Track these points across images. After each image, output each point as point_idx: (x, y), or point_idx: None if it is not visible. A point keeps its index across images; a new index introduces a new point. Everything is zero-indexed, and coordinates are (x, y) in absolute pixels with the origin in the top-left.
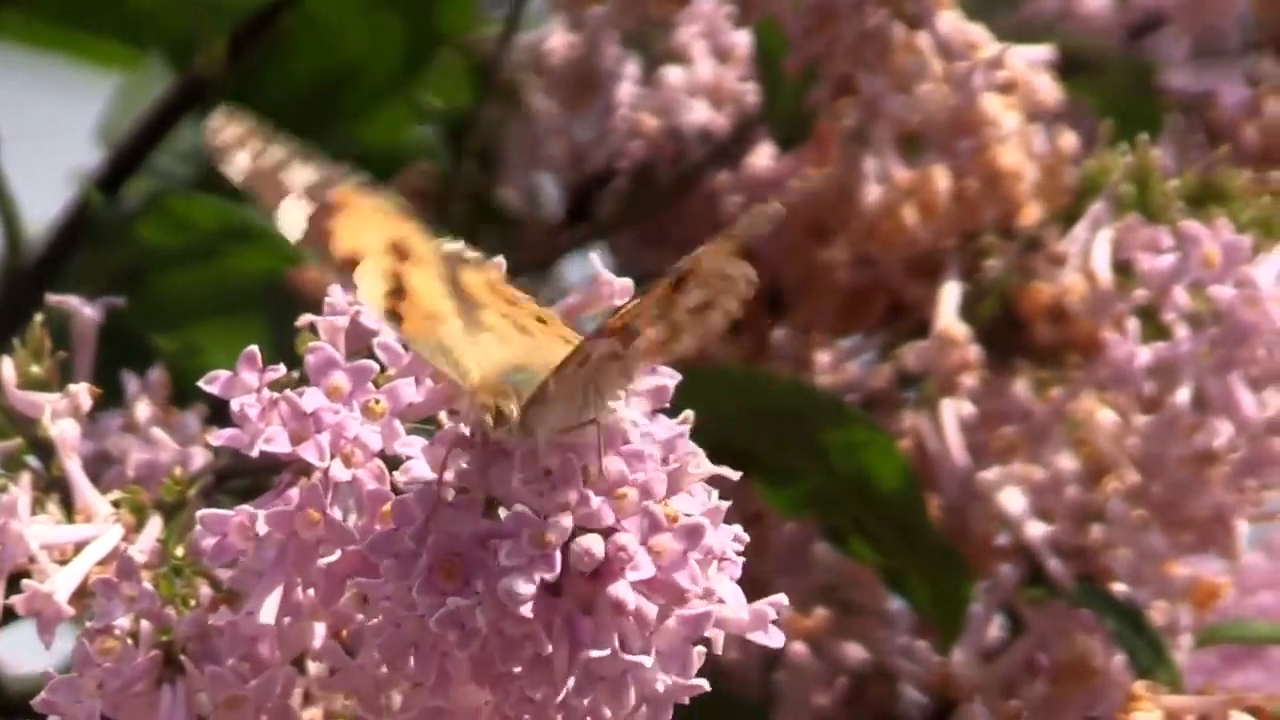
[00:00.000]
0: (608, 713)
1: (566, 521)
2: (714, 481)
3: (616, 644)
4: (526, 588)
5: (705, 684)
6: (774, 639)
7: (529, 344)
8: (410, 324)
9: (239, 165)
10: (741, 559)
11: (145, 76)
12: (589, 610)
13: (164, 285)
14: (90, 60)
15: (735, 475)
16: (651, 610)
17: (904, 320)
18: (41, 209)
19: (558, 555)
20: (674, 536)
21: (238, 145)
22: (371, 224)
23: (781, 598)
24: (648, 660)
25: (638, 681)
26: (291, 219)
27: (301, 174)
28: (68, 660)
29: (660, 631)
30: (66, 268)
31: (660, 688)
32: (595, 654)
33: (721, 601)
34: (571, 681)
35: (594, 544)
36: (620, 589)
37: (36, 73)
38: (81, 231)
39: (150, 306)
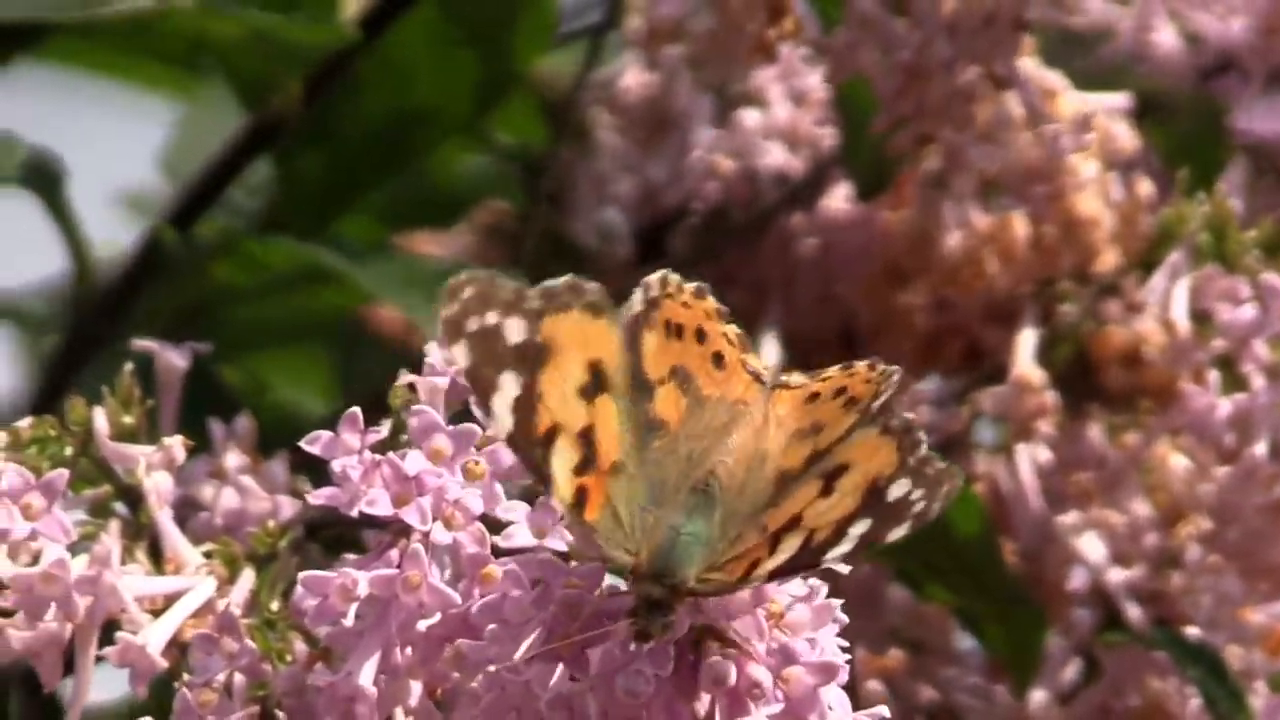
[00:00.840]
0: None
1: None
2: None
3: None
4: (647, 685)
5: None
6: None
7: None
8: (591, 507)
9: (462, 355)
10: (848, 659)
11: (208, 106)
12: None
13: (236, 319)
14: (144, 84)
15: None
16: None
17: (981, 364)
18: (93, 229)
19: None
20: (807, 672)
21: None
22: (572, 361)
23: (883, 710)
24: None
25: None
26: (501, 416)
27: (513, 331)
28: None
29: None
30: (137, 304)
31: None
32: None
33: (830, 709)
34: None
35: (727, 670)
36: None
37: (88, 94)
38: (153, 266)
39: (222, 338)
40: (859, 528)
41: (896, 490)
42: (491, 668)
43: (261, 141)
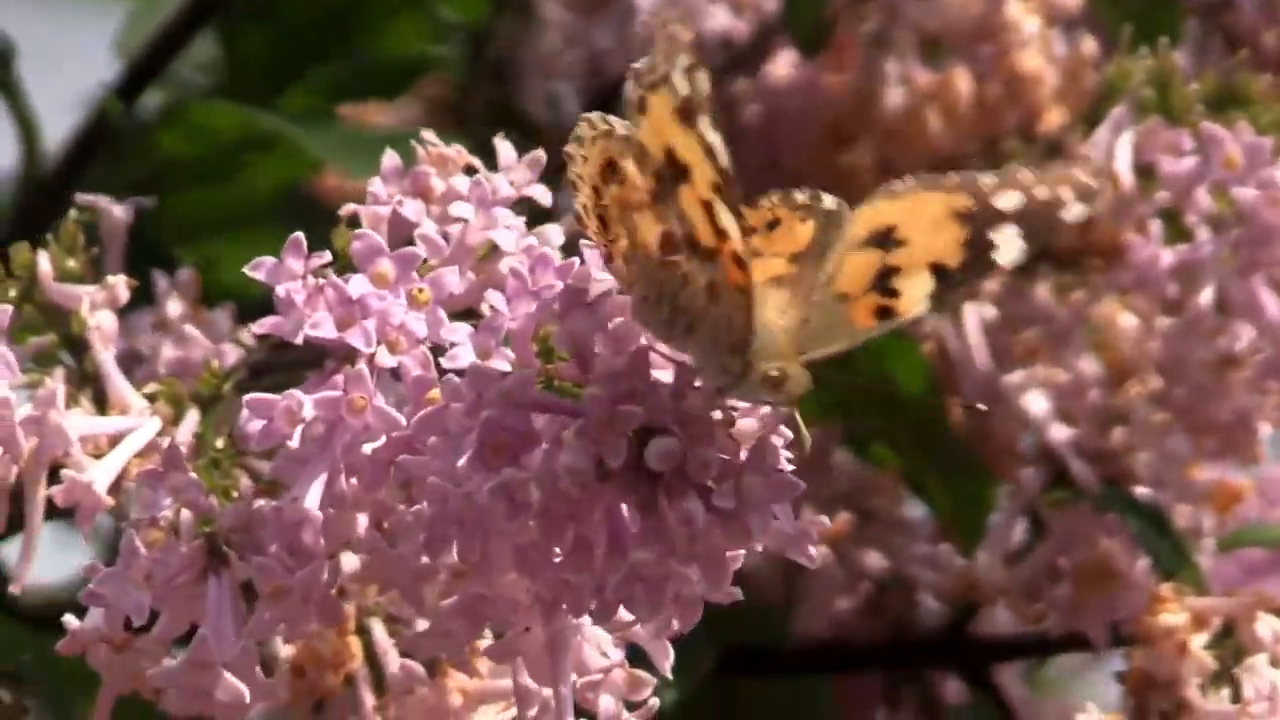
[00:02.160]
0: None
1: (638, 411)
2: None
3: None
4: (585, 464)
5: (739, 593)
6: (811, 559)
7: None
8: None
9: None
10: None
11: None
12: (646, 508)
13: (183, 200)
14: None
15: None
16: (716, 534)
17: None
18: (56, 130)
19: (624, 443)
20: (757, 476)
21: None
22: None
23: (823, 518)
24: (693, 573)
25: (676, 584)
26: None
27: None
28: (73, 576)
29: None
30: (85, 177)
31: (696, 591)
32: (643, 555)
33: (775, 518)
34: (612, 576)
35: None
36: (693, 507)
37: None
38: (100, 141)
39: (169, 221)
40: (1006, 234)
41: (1008, 200)
42: (432, 479)
43: (205, 14)
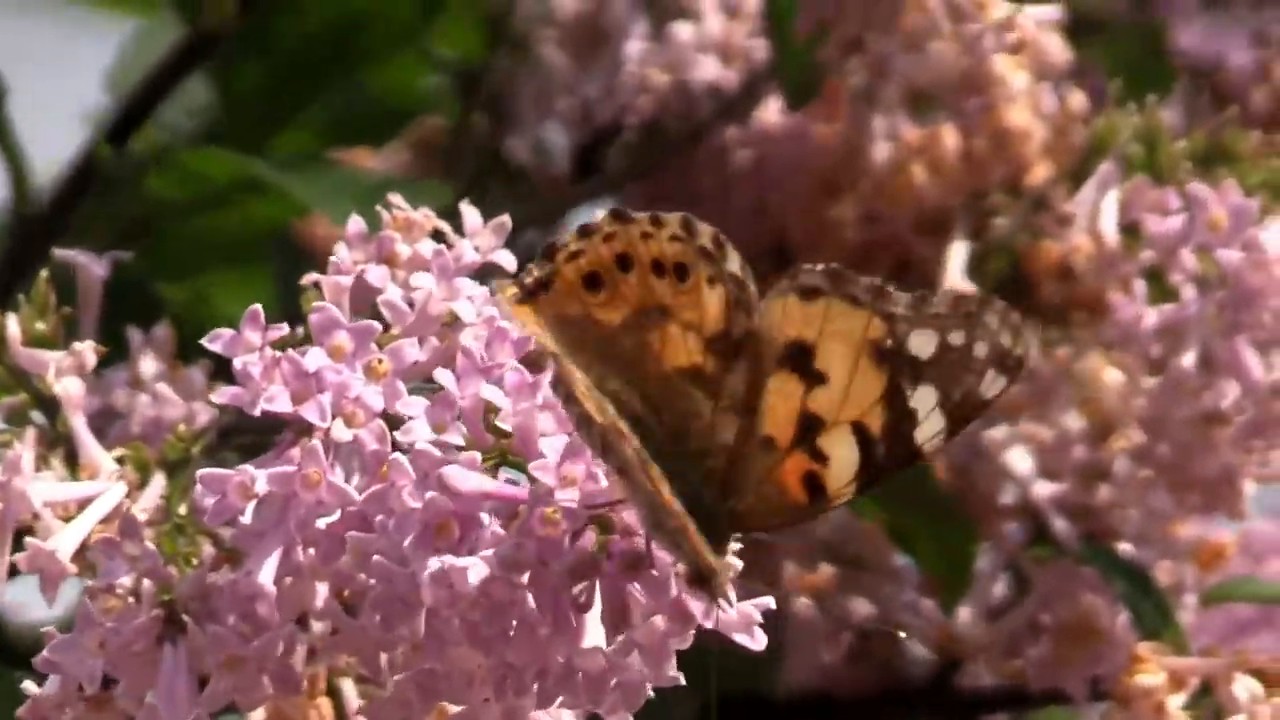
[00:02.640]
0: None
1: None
2: None
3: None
4: (524, 556)
5: (681, 678)
6: (757, 642)
7: None
8: None
9: None
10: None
11: (158, 26)
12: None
13: (173, 236)
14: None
15: None
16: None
17: (912, 278)
18: (46, 149)
19: (567, 540)
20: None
21: None
22: None
23: (769, 601)
24: (635, 661)
25: (616, 672)
26: None
27: None
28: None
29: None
30: (74, 217)
31: (638, 679)
32: (586, 646)
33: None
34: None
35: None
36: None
37: (46, 12)
38: (90, 182)
39: (159, 256)
40: (923, 398)
41: (922, 343)
42: (377, 559)
43: (198, 55)
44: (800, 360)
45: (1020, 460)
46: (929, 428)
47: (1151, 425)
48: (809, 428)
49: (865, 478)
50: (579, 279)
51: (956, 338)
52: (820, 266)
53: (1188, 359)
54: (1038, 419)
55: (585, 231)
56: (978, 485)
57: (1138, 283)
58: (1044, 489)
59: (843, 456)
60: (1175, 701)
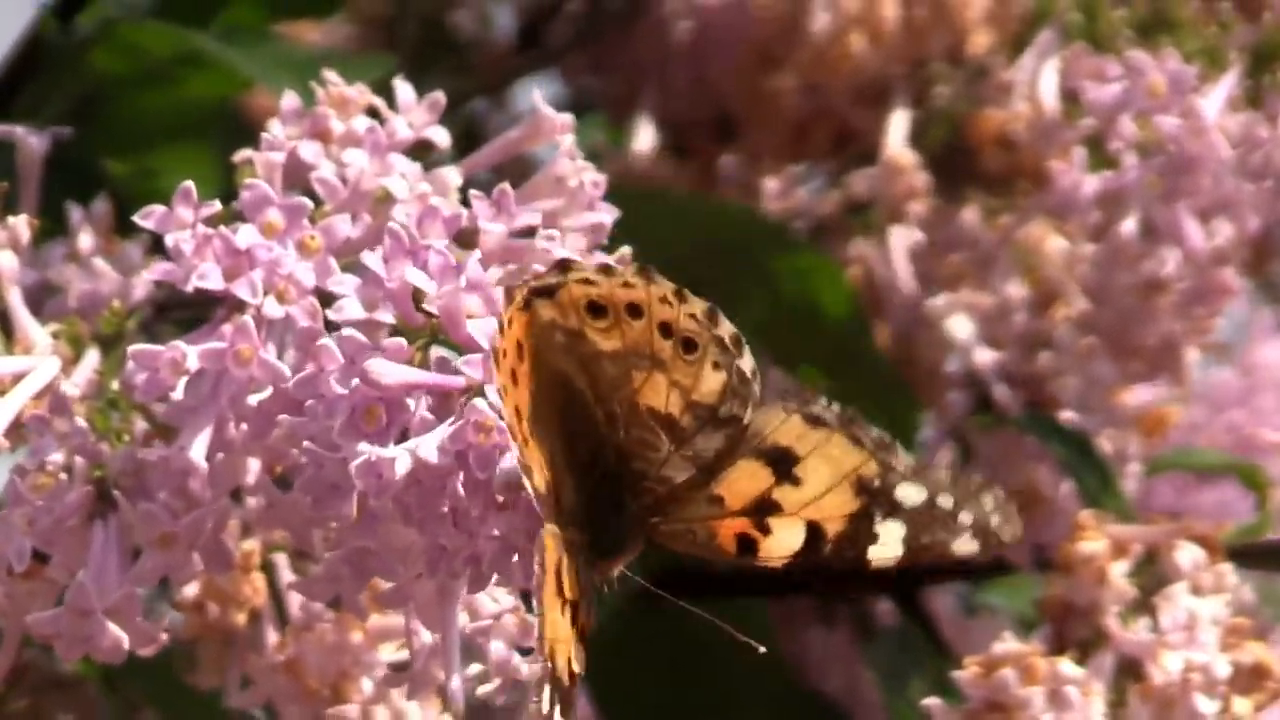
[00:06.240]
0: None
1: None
2: None
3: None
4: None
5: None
6: None
7: None
8: None
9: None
10: None
11: None
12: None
13: (118, 111)
14: None
15: None
16: None
17: (852, 148)
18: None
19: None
20: None
21: None
22: None
23: None
24: None
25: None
26: None
27: None
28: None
29: None
30: (23, 97)
31: None
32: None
33: None
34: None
35: None
36: None
37: None
38: (37, 60)
39: (105, 133)
40: (892, 530)
41: (910, 493)
42: (307, 443)
43: None
44: (781, 463)
45: (962, 328)
46: (885, 551)
47: (1093, 292)
48: (765, 509)
49: (801, 562)
50: (585, 301)
51: (946, 501)
52: (836, 407)
53: (1128, 226)
54: (980, 287)
55: (605, 270)
56: (921, 354)
57: (1077, 150)
58: (986, 356)
59: (786, 537)
60: (1118, 569)
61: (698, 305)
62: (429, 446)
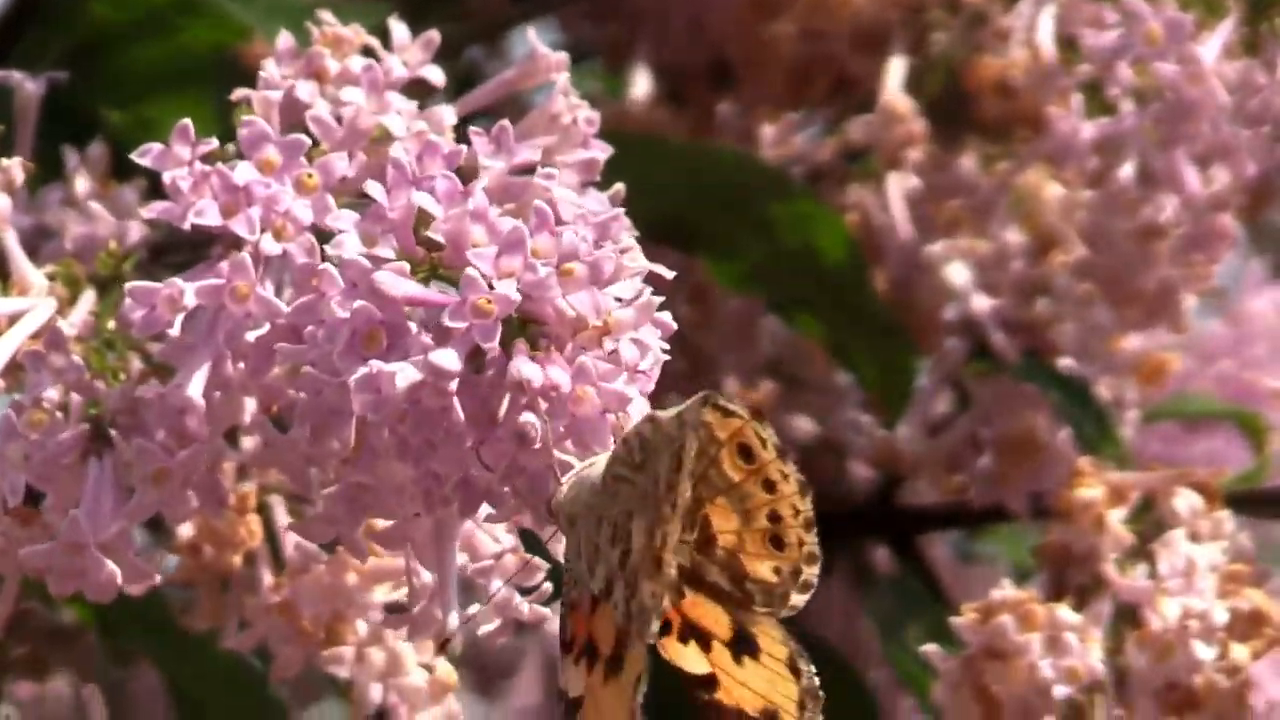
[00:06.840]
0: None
1: (514, 293)
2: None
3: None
4: (454, 358)
5: None
6: None
7: None
8: None
9: None
10: (658, 368)
11: None
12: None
13: (115, 60)
14: None
15: (669, 274)
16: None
17: (850, 94)
18: None
19: (499, 327)
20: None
21: None
22: None
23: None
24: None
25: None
26: None
27: None
28: None
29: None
30: (20, 45)
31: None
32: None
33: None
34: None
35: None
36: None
37: None
38: (34, 9)
39: (103, 81)
40: None
41: None
42: (307, 369)
43: None
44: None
45: (959, 274)
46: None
47: (1091, 239)
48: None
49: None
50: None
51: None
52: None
53: (1125, 172)
54: (977, 233)
55: (758, 416)
56: (918, 300)
57: (1075, 96)
58: (983, 303)
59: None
60: (1116, 515)
61: (805, 509)
62: (449, 355)
